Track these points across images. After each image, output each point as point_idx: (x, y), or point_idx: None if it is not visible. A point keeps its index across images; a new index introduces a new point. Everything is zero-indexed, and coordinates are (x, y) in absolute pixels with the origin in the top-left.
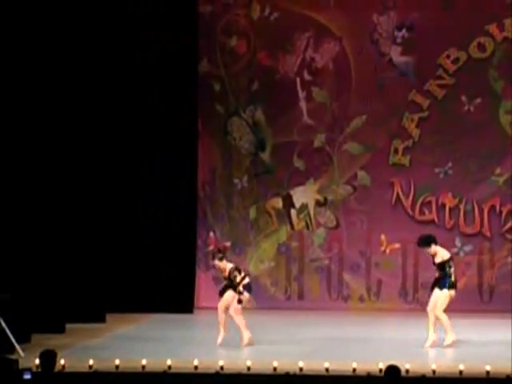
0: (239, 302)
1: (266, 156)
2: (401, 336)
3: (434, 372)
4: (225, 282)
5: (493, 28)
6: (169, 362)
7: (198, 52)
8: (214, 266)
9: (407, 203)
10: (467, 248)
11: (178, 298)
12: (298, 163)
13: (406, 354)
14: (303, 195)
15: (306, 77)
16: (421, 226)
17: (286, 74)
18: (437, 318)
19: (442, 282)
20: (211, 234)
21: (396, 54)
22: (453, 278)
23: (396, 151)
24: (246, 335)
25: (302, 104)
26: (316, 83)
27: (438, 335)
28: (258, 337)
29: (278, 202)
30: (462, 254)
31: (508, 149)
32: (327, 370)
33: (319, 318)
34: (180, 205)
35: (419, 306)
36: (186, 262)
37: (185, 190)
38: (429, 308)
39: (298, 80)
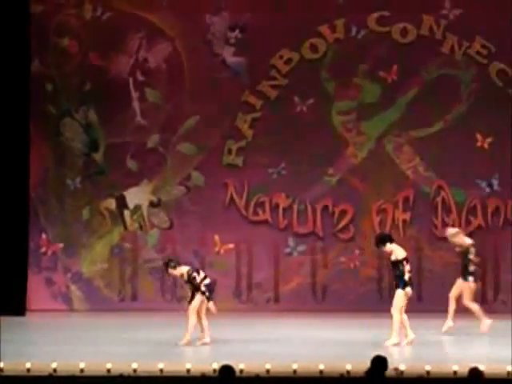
0: (208, 300)
1: (99, 157)
2: (236, 336)
3: (268, 371)
4: (189, 287)
5: (324, 29)
6: (1, 365)
7: (30, 52)
8: (169, 276)
9: (241, 204)
10: (300, 248)
11: (10, 301)
12: (132, 164)
13: (240, 354)
14: (137, 196)
15: (139, 77)
16: (254, 227)
17: (119, 75)
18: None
19: (396, 281)
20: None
21: (229, 55)
22: (406, 277)
23: (229, 152)
24: (188, 337)
25: (135, 104)
26: (149, 83)
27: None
28: (92, 338)
29: (112, 203)
30: (295, 253)
31: (340, 149)
32: (161, 370)
33: (153, 319)
34: (11, 206)
35: (254, 305)
36: (17, 264)
37: (16, 191)
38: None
39: (130, 80)
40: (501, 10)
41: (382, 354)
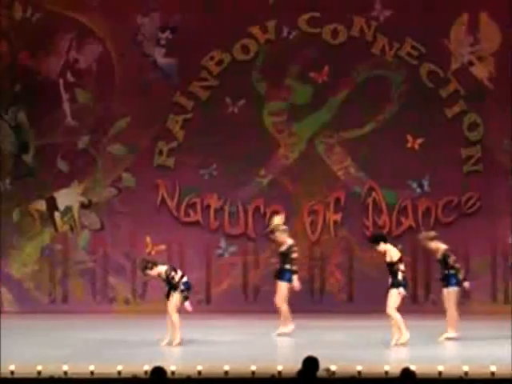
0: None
1: (28, 158)
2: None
3: (199, 373)
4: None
5: (256, 30)
6: None
7: None
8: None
9: (172, 205)
10: (232, 249)
11: None
12: (62, 165)
13: (171, 355)
14: (67, 197)
15: (70, 78)
16: (186, 228)
17: (49, 75)
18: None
19: (391, 281)
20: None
21: (160, 56)
22: (400, 277)
23: (161, 153)
24: (179, 336)
25: (66, 105)
26: (79, 84)
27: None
28: (22, 340)
29: (42, 205)
30: (226, 254)
31: (271, 150)
32: (92, 372)
33: (83, 321)
34: None
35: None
36: None
37: None
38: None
39: (61, 81)
40: (431, 12)
41: (312, 354)
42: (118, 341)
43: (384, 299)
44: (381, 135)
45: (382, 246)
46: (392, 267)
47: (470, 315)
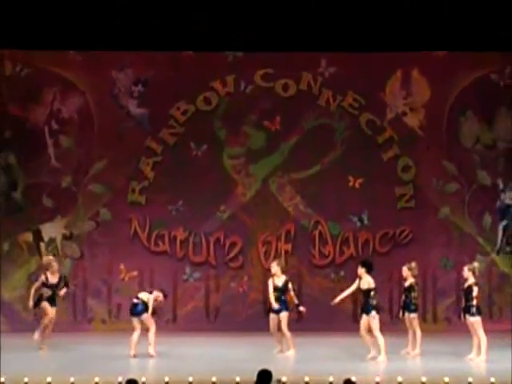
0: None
1: (18, 195)
2: (138, 352)
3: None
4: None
5: (217, 84)
6: None
7: None
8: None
9: (143, 236)
10: (196, 275)
11: None
12: (47, 202)
13: (142, 368)
14: (51, 230)
15: (54, 126)
16: (155, 256)
17: (36, 123)
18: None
19: (365, 307)
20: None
21: (133, 107)
22: (374, 302)
23: (133, 191)
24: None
25: (50, 150)
26: (63, 131)
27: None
28: (11, 356)
29: (29, 236)
30: (191, 279)
31: (231, 189)
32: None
33: (66, 338)
34: None
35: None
36: None
37: None
38: (360, 331)
39: (46, 128)
40: (369, 69)
41: (266, 367)
42: (96, 355)
43: (328, 319)
44: (326, 176)
45: (364, 273)
46: (368, 293)
47: (402, 333)
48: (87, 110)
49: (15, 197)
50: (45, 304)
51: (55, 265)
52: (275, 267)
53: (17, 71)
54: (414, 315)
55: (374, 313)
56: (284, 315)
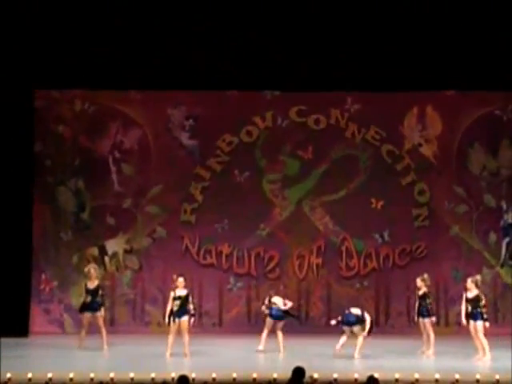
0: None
1: (85, 216)
2: (193, 351)
3: (214, 379)
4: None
5: (257, 119)
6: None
7: (34, 136)
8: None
9: (194, 251)
10: (239, 284)
11: (16, 325)
12: (111, 221)
13: (191, 365)
14: (114, 245)
15: (117, 155)
16: (204, 268)
17: (102, 153)
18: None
19: (473, 314)
20: None
21: (185, 138)
22: (484, 310)
23: (185, 212)
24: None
25: (114, 176)
26: (124, 160)
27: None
28: (78, 354)
29: (95, 251)
30: (235, 289)
31: (269, 210)
32: (132, 379)
33: (126, 339)
34: (18, 253)
35: (202, 328)
36: (22, 297)
37: (22, 242)
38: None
39: (110, 158)
40: (389, 106)
41: (300, 364)
42: (152, 354)
43: None
44: (352, 198)
45: (474, 287)
46: (477, 302)
47: (419, 336)
48: (145, 142)
49: (83, 217)
50: (82, 309)
51: (93, 272)
52: None
53: (85, 108)
54: (427, 320)
55: (481, 319)
56: None
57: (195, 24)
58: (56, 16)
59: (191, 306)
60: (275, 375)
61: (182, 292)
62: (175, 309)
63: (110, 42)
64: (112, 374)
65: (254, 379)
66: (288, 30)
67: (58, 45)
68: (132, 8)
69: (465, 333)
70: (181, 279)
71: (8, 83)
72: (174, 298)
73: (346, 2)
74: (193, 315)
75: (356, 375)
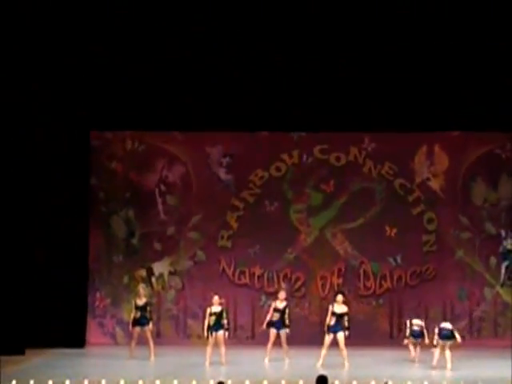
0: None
1: (135, 241)
2: (229, 360)
3: None
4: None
5: (285, 156)
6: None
7: (90, 171)
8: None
9: (230, 272)
10: (269, 302)
11: (74, 338)
12: (157, 246)
13: (227, 373)
14: (160, 267)
15: (162, 188)
16: (238, 288)
17: (149, 186)
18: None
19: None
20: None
21: (222, 174)
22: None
23: (222, 237)
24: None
25: (160, 206)
26: (169, 192)
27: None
28: (128, 362)
29: (143, 272)
30: (265, 306)
31: (295, 236)
32: None
33: (171, 350)
34: (76, 275)
35: (237, 340)
36: (79, 313)
37: (80, 265)
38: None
39: (157, 190)
40: (401, 145)
41: (323, 373)
42: (193, 364)
43: (368, 336)
44: (368, 226)
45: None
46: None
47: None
48: (187, 176)
49: (133, 242)
50: (133, 324)
51: (142, 291)
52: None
53: (135, 147)
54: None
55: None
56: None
57: (232, 72)
58: (108, 66)
59: (225, 321)
60: (301, 382)
61: (216, 309)
62: (212, 323)
63: (156, 90)
64: (158, 382)
65: None
66: (312, 80)
67: (112, 91)
68: (172, 58)
69: (470, 345)
70: (216, 297)
71: (68, 126)
72: (210, 314)
73: (362, 58)
74: (227, 329)
75: (372, 382)
